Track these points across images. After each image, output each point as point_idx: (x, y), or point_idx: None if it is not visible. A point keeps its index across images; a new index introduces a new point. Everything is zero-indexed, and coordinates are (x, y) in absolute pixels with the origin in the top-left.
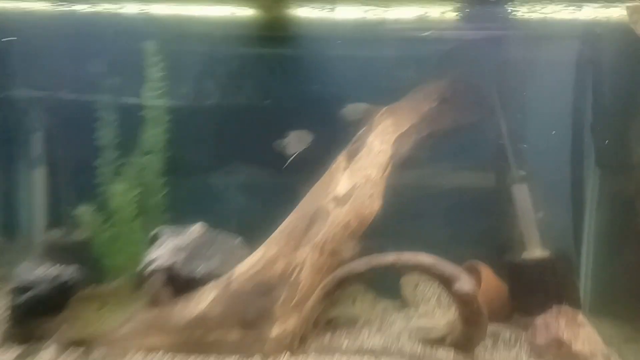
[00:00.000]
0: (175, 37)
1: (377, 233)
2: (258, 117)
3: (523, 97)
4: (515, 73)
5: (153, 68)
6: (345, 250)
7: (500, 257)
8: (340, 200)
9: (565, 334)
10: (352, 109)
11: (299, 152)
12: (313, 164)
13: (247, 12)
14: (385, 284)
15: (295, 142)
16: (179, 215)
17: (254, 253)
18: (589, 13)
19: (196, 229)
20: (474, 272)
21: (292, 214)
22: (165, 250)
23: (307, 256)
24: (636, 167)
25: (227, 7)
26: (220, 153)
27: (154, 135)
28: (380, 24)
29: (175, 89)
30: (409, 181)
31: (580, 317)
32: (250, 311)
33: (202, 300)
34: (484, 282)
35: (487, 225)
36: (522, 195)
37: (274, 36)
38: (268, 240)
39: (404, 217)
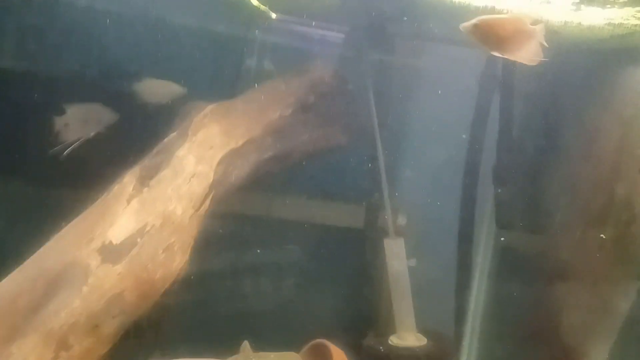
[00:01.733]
0: None
1: (179, 308)
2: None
3: (411, 116)
4: (405, 81)
5: None
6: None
7: (359, 338)
8: (114, 253)
9: None
10: (151, 87)
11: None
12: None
13: None
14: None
15: (79, 126)
16: None
17: None
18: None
19: None
20: (322, 355)
21: (14, 272)
22: None
23: (31, 355)
24: (554, 234)
25: None
26: None
27: None
28: None
29: None
30: (240, 223)
31: None
32: None
33: None
34: None
35: (344, 292)
36: (396, 253)
37: None
38: None
39: (226, 276)
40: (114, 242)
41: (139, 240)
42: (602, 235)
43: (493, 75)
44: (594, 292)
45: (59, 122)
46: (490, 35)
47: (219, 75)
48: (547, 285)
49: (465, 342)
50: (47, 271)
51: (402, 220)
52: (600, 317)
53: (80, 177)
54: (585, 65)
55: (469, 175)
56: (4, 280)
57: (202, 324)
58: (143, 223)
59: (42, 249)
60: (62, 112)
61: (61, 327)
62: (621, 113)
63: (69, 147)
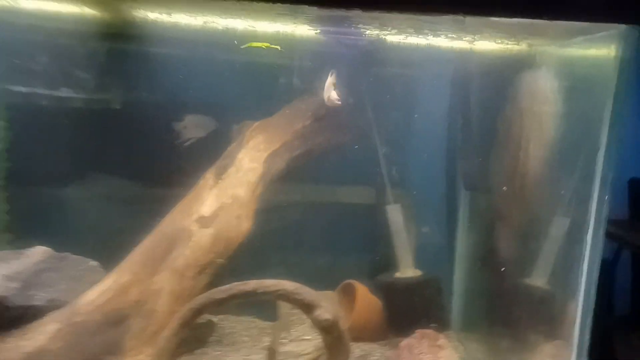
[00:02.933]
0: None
1: (247, 255)
2: (122, 120)
3: (398, 117)
4: (390, 92)
5: None
6: (208, 276)
7: (374, 277)
8: (205, 221)
9: (427, 357)
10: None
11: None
12: (185, 176)
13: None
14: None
15: (193, 128)
16: (22, 235)
17: (104, 280)
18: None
19: (36, 253)
20: (351, 292)
21: (150, 234)
22: None
23: (165, 282)
24: (493, 190)
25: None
26: (74, 160)
27: None
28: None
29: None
30: (282, 200)
31: (442, 340)
32: (98, 344)
33: (40, 335)
34: (359, 301)
35: (365, 244)
36: (395, 215)
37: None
38: (121, 264)
39: (277, 237)
40: (205, 215)
41: (220, 213)
42: (504, 188)
43: (454, 88)
44: (521, 229)
45: (179, 125)
46: None
47: (261, 97)
48: (498, 227)
49: (454, 278)
50: (168, 234)
51: (398, 191)
52: (532, 248)
53: (181, 175)
54: (496, 74)
55: (447, 154)
56: (146, 240)
57: (260, 269)
58: (221, 202)
59: (163, 220)
60: (181, 119)
61: (180, 266)
62: (520, 105)
63: (187, 142)
